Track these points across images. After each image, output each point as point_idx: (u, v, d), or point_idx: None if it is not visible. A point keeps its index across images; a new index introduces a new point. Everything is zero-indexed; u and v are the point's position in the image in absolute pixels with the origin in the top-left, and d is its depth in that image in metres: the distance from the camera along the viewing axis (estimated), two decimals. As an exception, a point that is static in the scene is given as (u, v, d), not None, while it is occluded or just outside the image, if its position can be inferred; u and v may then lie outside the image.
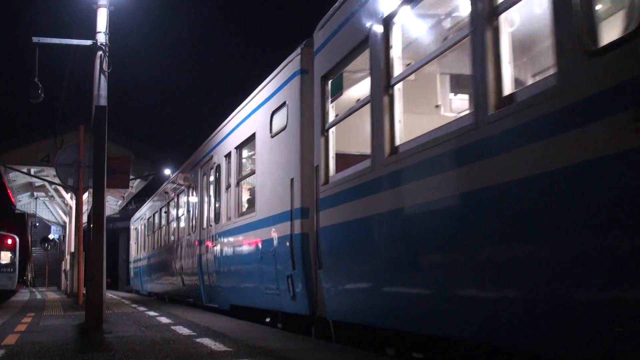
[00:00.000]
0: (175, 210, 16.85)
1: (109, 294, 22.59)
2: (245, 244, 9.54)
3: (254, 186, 9.88)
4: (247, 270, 9.49)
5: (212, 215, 11.97)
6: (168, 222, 17.94)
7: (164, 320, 9.48)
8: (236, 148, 10.53)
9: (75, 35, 11.81)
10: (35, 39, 11.47)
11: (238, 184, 10.51)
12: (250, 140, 9.83)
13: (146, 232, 23.04)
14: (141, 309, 12.92)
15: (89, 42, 10.86)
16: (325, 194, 6.58)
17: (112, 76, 10.19)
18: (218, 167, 11.61)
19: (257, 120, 9.25)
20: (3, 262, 33.64)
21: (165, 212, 18.59)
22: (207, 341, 6.41)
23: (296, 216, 7.32)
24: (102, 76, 10.14)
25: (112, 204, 29.61)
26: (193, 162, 14.45)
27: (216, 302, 11.65)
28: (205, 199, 12.70)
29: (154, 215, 21.09)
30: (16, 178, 24.14)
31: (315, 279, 6.87)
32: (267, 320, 9.07)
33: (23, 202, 30.79)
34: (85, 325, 8.00)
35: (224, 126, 11.57)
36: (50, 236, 44.37)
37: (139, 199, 55.42)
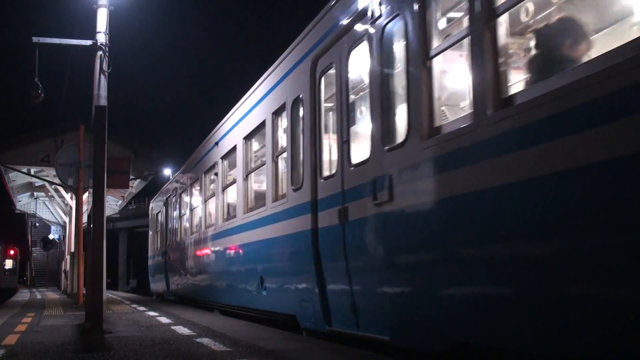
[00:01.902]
0: (238, 166, 10.17)
1: (109, 294, 22.60)
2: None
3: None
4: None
5: (347, 150, 5.98)
6: (222, 190, 11.35)
7: (164, 320, 9.48)
8: None
9: (75, 35, 11.83)
10: (35, 39, 11.48)
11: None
12: None
13: (178, 213, 16.16)
14: (141, 309, 12.91)
15: (89, 42, 10.88)
16: None
17: (112, 76, 10.21)
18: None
19: None
20: (7, 267, 43.73)
21: (214, 175, 11.93)
22: (207, 341, 6.41)
23: None
24: (102, 76, 10.15)
25: (112, 204, 29.64)
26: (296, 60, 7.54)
27: (378, 330, 5.38)
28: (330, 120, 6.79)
29: (192, 185, 14.44)
30: (16, 178, 24.18)
31: None
32: None
33: (23, 202, 30.87)
34: (85, 325, 8.00)
35: None
36: (50, 236, 44.64)
37: (139, 199, 55.64)
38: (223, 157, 11.36)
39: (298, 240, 7.09)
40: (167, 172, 26.79)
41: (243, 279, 9.50)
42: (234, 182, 10.54)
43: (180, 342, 6.47)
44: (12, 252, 44.80)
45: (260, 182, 9.53)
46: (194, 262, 13.67)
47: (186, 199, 15.18)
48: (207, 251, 12.25)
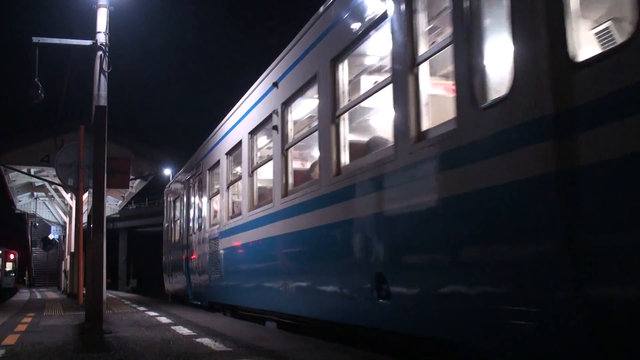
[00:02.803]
0: (325, 102, 6.56)
1: (109, 294, 22.59)
2: None
3: None
4: None
5: None
6: (284, 150, 7.87)
7: (164, 320, 9.47)
8: None
9: (75, 35, 11.84)
10: (35, 39, 11.48)
11: None
12: None
13: (206, 195, 12.48)
14: (141, 309, 12.91)
15: (89, 42, 10.89)
16: None
17: (112, 76, 10.22)
18: None
19: None
20: (7, 269, 46.87)
21: (273, 129, 8.15)
22: (207, 341, 6.40)
23: None
24: (102, 76, 10.17)
25: (112, 204, 29.65)
26: None
27: None
28: None
29: (228, 154, 10.84)
30: (16, 178, 24.20)
31: None
32: None
33: (23, 202, 30.90)
34: (85, 325, 7.99)
35: None
36: (50, 236, 44.82)
37: (139, 199, 55.67)
38: (286, 102, 7.81)
39: (497, 200, 3.81)
40: (167, 172, 26.81)
41: (333, 277, 6.32)
42: (310, 133, 7.36)
43: (180, 342, 6.47)
44: (11, 256, 49.18)
45: (364, 126, 6.70)
46: (232, 255, 10.29)
47: (218, 175, 11.50)
48: (257, 239, 8.79)
